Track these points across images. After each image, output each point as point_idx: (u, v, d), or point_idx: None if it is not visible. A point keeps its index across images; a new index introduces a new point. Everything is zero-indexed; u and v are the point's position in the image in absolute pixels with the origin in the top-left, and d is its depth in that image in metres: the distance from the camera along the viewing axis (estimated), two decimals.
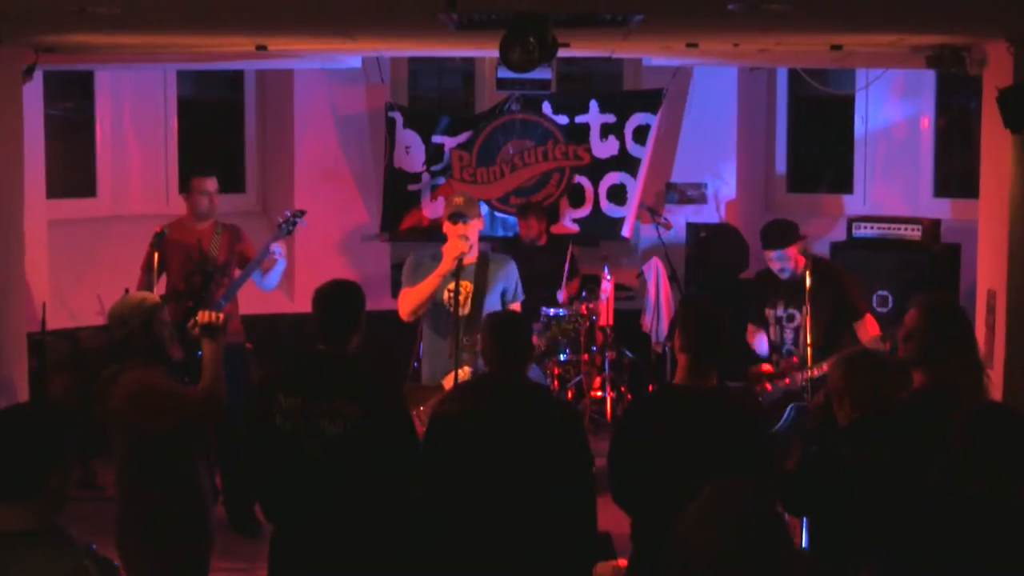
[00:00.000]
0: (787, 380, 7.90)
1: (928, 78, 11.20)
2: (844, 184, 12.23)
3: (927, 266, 10.27)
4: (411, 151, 11.81)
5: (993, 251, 7.89)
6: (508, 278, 7.65)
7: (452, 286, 7.32)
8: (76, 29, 7.45)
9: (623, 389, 11.09)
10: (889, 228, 10.65)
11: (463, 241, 7.35)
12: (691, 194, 12.36)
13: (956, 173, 11.53)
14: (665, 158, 12.26)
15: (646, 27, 6.88)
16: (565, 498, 5.55)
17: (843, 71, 11.63)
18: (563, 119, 11.86)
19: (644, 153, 11.74)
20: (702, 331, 5.69)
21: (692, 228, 11.88)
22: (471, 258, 7.52)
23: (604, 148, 11.83)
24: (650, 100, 11.77)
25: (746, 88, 12.38)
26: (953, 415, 4.64)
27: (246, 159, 12.22)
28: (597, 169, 11.87)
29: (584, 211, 11.95)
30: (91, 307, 10.24)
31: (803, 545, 5.88)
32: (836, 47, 8.35)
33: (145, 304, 6.13)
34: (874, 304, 10.18)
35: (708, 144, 12.38)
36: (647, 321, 11.27)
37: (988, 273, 8.01)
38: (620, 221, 11.85)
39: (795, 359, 7.93)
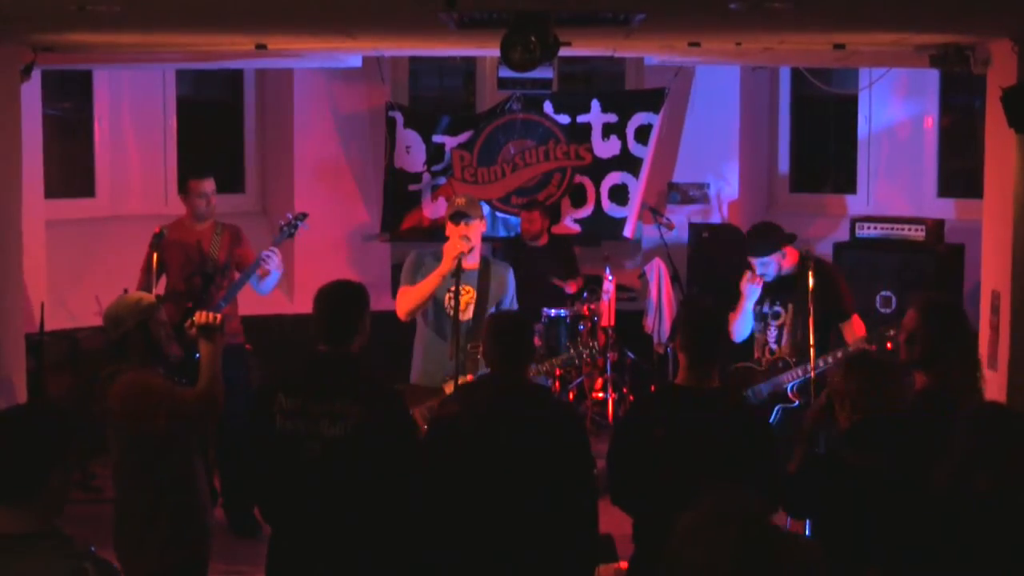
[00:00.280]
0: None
1: (932, 77, 11.19)
2: (847, 184, 12.23)
3: (931, 266, 10.26)
4: (412, 151, 11.81)
5: (997, 251, 7.88)
6: (507, 286, 7.65)
7: (453, 288, 7.32)
8: (75, 28, 7.45)
9: (625, 390, 11.09)
10: (892, 228, 10.65)
11: (464, 241, 7.33)
12: (693, 194, 12.36)
13: (960, 173, 11.53)
14: (667, 158, 12.26)
15: (648, 26, 6.88)
16: (567, 500, 5.55)
17: (846, 70, 11.63)
18: (564, 119, 11.86)
19: (646, 153, 11.74)
20: (703, 331, 5.72)
21: (694, 228, 11.88)
22: (473, 263, 7.50)
23: (606, 148, 11.83)
24: (652, 99, 11.77)
25: (749, 87, 12.38)
26: (954, 416, 4.64)
27: (245, 159, 12.23)
28: (599, 169, 11.88)
29: (586, 211, 11.96)
30: (89, 308, 10.24)
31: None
32: (839, 46, 8.35)
33: (141, 304, 6.13)
34: (877, 305, 10.18)
35: (710, 144, 12.38)
36: (649, 322, 11.29)
37: (992, 273, 8.01)
38: (622, 221, 11.85)
39: (778, 359, 7.92)
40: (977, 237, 8.45)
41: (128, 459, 5.95)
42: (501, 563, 5.52)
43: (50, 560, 3.77)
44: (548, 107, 11.85)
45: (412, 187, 11.86)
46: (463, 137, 11.84)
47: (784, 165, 12.67)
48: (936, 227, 10.54)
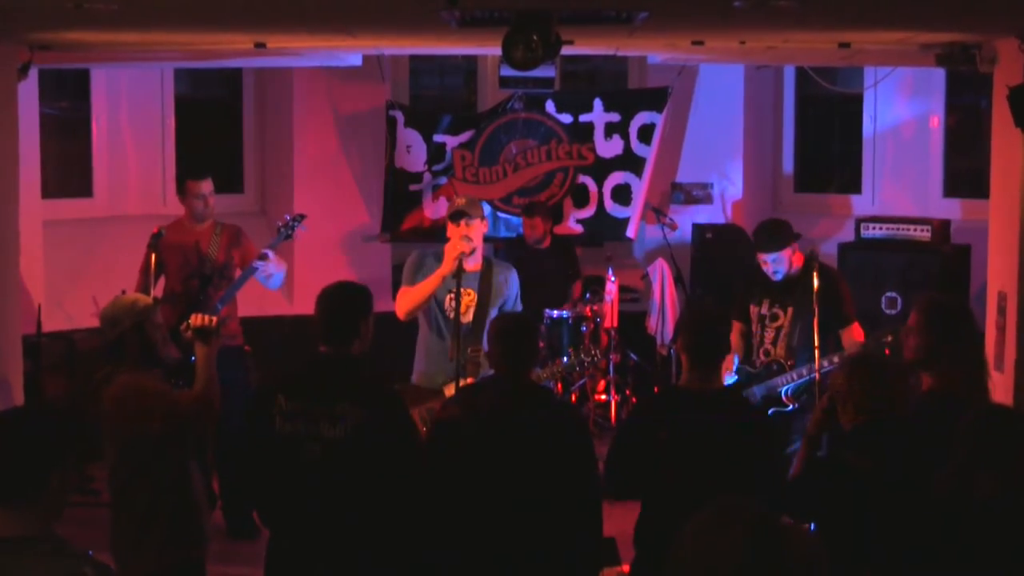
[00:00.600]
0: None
1: (938, 76, 11.20)
2: (852, 184, 12.24)
3: (936, 267, 10.27)
4: (412, 150, 11.81)
5: (1003, 252, 7.89)
6: (510, 289, 7.64)
7: (454, 290, 7.31)
8: (72, 26, 7.46)
9: (628, 392, 11.10)
10: (898, 228, 10.65)
11: (465, 242, 7.32)
12: (697, 194, 12.37)
13: (966, 173, 11.54)
14: (670, 157, 12.27)
15: (651, 24, 6.88)
16: (570, 503, 5.56)
17: (851, 69, 11.64)
18: (567, 118, 11.86)
19: (649, 152, 11.74)
20: (706, 333, 5.74)
21: (698, 229, 11.89)
22: (475, 265, 7.49)
23: (608, 147, 11.83)
24: (655, 99, 11.78)
25: (753, 86, 12.39)
26: (957, 418, 4.65)
27: (244, 159, 12.24)
28: (601, 169, 11.88)
29: (588, 211, 11.96)
30: (87, 309, 10.23)
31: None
32: (844, 45, 8.36)
33: (137, 306, 6.14)
34: (883, 306, 10.19)
35: (714, 143, 12.39)
36: (652, 323, 11.29)
37: (998, 274, 8.01)
38: (625, 222, 11.86)
39: (772, 362, 7.92)
40: (983, 237, 8.45)
41: (124, 462, 5.94)
42: (503, 565, 5.53)
43: (48, 564, 3.77)
44: (550, 106, 11.85)
45: (413, 187, 11.86)
46: (464, 136, 11.84)
47: (788, 165, 12.68)
48: (942, 227, 10.55)
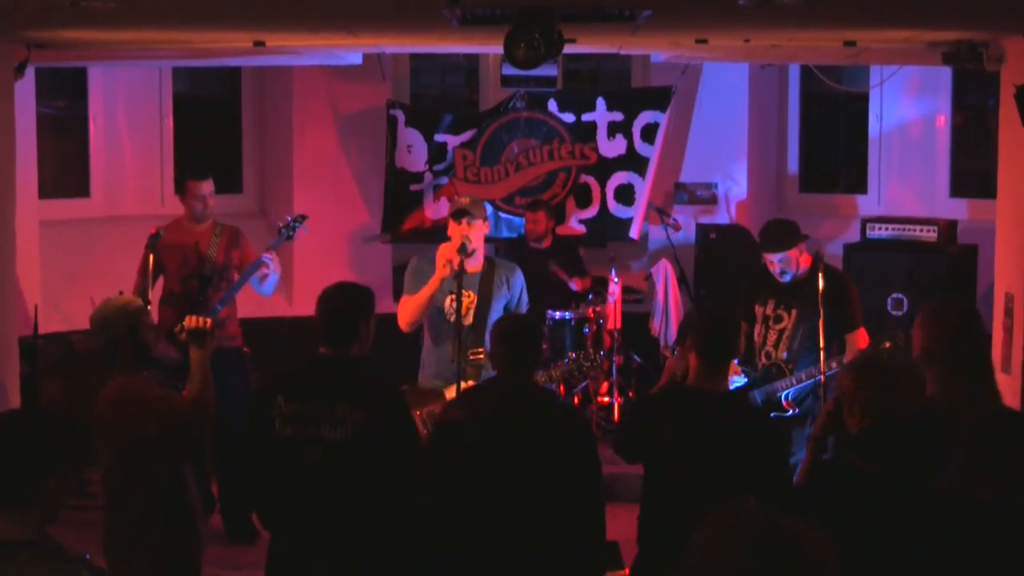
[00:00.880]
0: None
1: (944, 75, 11.19)
2: (858, 184, 12.23)
3: (943, 268, 10.26)
4: (413, 150, 11.81)
5: (1011, 252, 7.89)
6: (513, 288, 7.63)
7: (454, 292, 7.31)
8: (69, 25, 7.46)
9: (631, 394, 11.09)
10: (904, 229, 10.65)
11: (466, 243, 7.31)
12: (701, 194, 12.37)
13: (973, 172, 11.53)
14: (674, 157, 12.26)
15: (654, 22, 6.88)
16: (572, 506, 5.56)
17: (857, 68, 11.63)
18: (569, 117, 11.86)
19: (652, 152, 11.74)
20: (717, 333, 5.76)
21: (702, 229, 11.88)
22: (476, 266, 7.49)
23: (611, 147, 11.83)
24: (659, 98, 11.77)
25: (757, 85, 12.38)
26: (962, 421, 4.65)
27: (243, 158, 12.24)
28: (604, 168, 11.88)
29: (591, 212, 11.95)
30: (84, 310, 10.10)
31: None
32: (850, 43, 8.36)
33: (129, 308, 6.11)
34: (889, 307, 10.18)
35: (718, 143, 12.38)
36: (655, 324, 11.28)
37: (1005, 275, 8.02)
38: (628, 222, 11.85)
39: (772, 366, 7.91)
40: (990, 238, 8.45)
41: (118, 465, 5.92)
42: (505, 568, 5.53)
43: (45, 567, 3.76)
44: (552, 105, 11.84)
45: (414, 187, 11.86)
46: (465, 136, 11.84)
47: (793, 165, 12.67)
48: (948, 228, 10.54)
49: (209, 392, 6.02)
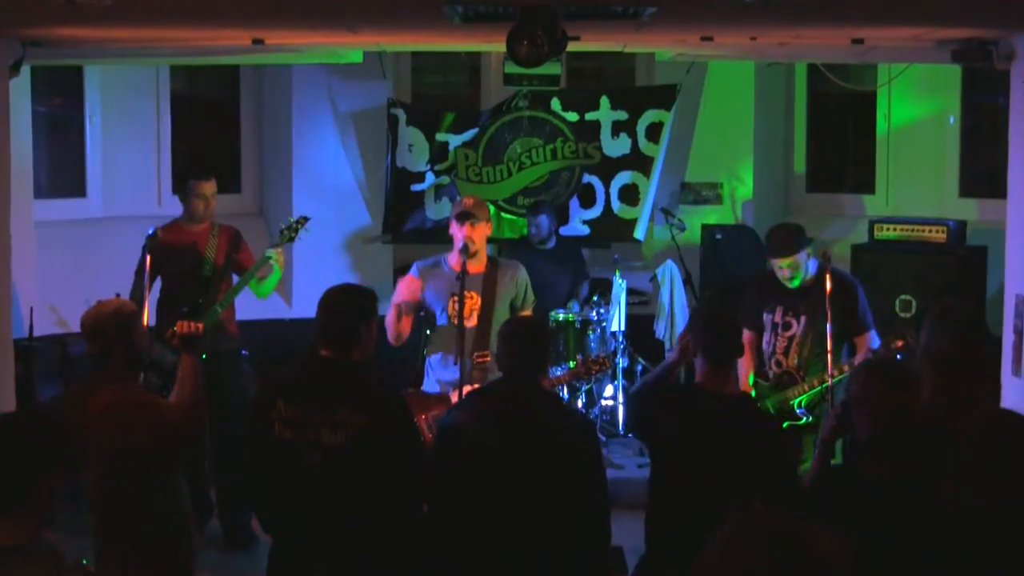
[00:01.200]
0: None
1: (953, 73, 11.18)
2: (866, 184, 12.22)
3: (952, 270, 10.25)
4: (414, 149, 11.82)
5: (1021, 254, 7.87)
6: (519, 284, 7.65)
7: (456, 295, 7.32)
8: (65, 22, 7.45)
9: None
10: (913, 230, 10.64)
11: (463, 248, 7.36)
12: (706, 194, 12.36)
13: (983, 172, 11.50)
14: (679, 157, 12.26)
15: (659, 20, 6.88)
16: (578, 511, 5.56)
17: (865, 66, 11.62)
18: (572, 116, 11.86)
19: (657, 152, 11.74)
20: (725, 332, 5.78)
21: (707, 230, 11.87)
22: (479, 267, 7.51)
23: (615, 146, 11.83)
24: (663, 96, 11.77)
25: (764, 84, 12.38)
26: (966, 426, 4.65)
27: (242, 158, 12.24)
28: (608, 168, 11.87)
29: (594, 212, 11.95)
30: (80, 312, 10.20)
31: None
32: (857, 41, 8.35)
33: (121, 313, 6.03)
34: (897, 309, 10.17)
35: (724, 142, 12.38)
36: (660, 327, 11.27)
37: (1016, 277, 7.99)
38: (632, 222, 11.85)
39: (784, 374, 7.90)
40: (1000, 239, 8.43)
41: (111, 473, 5.85)
42: (509, 573, 5.53)
43: (40, 573, 3.76)
44: (556, 104, 11.84)
45: (415, 187, 11.86)
46: (467, 135, 11.84)
47: (800, 164, 12.67)
48: (958, 228, 10.53)
49: (201, 398, 5.98)
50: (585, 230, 11.96)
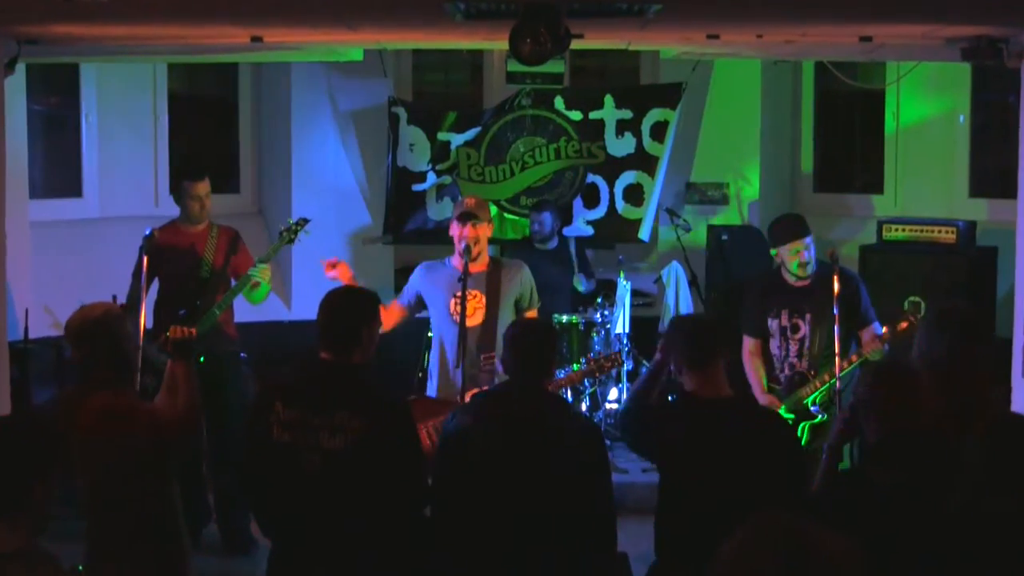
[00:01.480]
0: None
1: (963, 71, 11.17)
2: (874, 184, 12.22)
3: (962, 271, 10.24)
4: (415, 149, 11.82)
5: None
6: (523, 285, 7.66)
7: (459, 294, 7.32)
8: (61, 20, 7.45)
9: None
10: (922, 230, 10.63)
11: (465, 250, 7.38)
12: (712, 194, 12.36)
13: (993, 172, 11.50)
14: (685, 156, 12.26)
15: (664, 17, 6.88)
16: (584, 516, 5.56)
17: (873, 64, 11.62)
18: (576, 115, 11.85)
19: (662, 151, 11.73)
20: (697, 338, 5.78)
21: (713, 230, 11.86)
22: (481, 266, 7.52)
23: (620, 146, 11.82)
24: (669, 95, 11.77)
25: (770, 82, 12.38)
26: (972, 431, 4.66)
27: (240, 158, 12.24)
28: (612, 168, 11.87)
29: (598, 212, 11.95)
30: None
31: None
32: (865, 38, 8.34)
33: (109, 318, 5.98)
34: (905, 311, 10.16)
35: (730, 142, 12.38)
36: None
37: None
38: (637, 223, 11.84)
39: (795, 375, 7.91)
40: (1011, 239, 8.43)
41: (104, 481, 5.79)
42: None
43: None
44: (559, 103, 11.84)
45: (416, 187, 11.86)
46: (470, 134, 11.84)
47: (807, 164, 12.67)
48: (968, 229, 10.52)
49: (197, 405, 5.94)
50: (589, 231, 11.95)
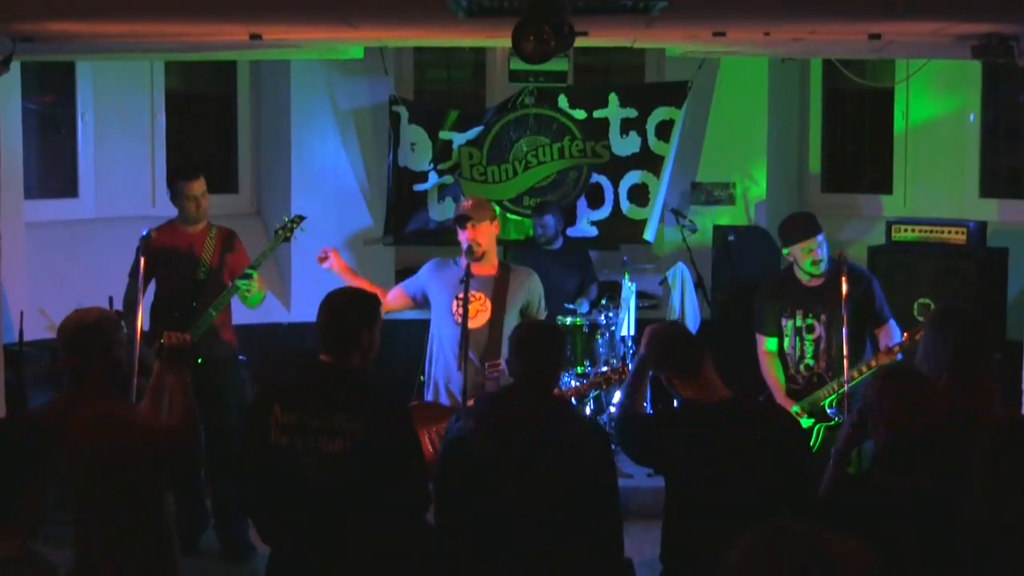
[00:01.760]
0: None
1: (973, 69, 11.17)
2: (883, 184, 12.21)
3: (972, 272, 10.23)
4: (417, 148, 11.81)
5: None
6: (530, 293, 7.66)
7: (461, 295, 7.32)
8: (57, 17, 7.45)
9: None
10: (931, 231, 10.63)
11: (468, 250, 7.38)
12: (718, 194, 12.35)
13: (1004, 171, 11.50)
14: (691, 156, 12.24)
15: (670, 14, 6.87)
16: (590, 522, 5.55)
17: (882, 62, 11.62)
18: (580, 114, 11.85)
19: (667, 150, 11.72)
20: (682, 348, 5.78)
21: (719, 231, 11.85)
22: (488, 269, 7.52)
23: (624, 145, 11.82)
24: (674, 93, 11.76)
25: (778, 81, 12.37)
26: (976, 434, 4.65)
27: (239, 157, 12.23)
28: (617, 167, 11.86)
29: (603, 212, 11.94)
30: None
31: None
32: (874, 36, 8.34)
33: (103, 323, 5.95)
34: (915, 312, 10.16)
35: (737, 141, 12.37)
36: None
37: None
38: (642, 223, 11.83)
39: (812, 376, 7.91)
40: (1022, 240, 8.44)
41: (93, 489, 5.75)
42: None
43: None
44: (563, 101, 11.83)
45: (417, 187, 11.85)
46: (472, 134, 11.83)
47: (815, 164, 12.66)
48: (978, 230, 10.52)
49: (191, 416, 5.90)
50: (593, 231, 11.95)
